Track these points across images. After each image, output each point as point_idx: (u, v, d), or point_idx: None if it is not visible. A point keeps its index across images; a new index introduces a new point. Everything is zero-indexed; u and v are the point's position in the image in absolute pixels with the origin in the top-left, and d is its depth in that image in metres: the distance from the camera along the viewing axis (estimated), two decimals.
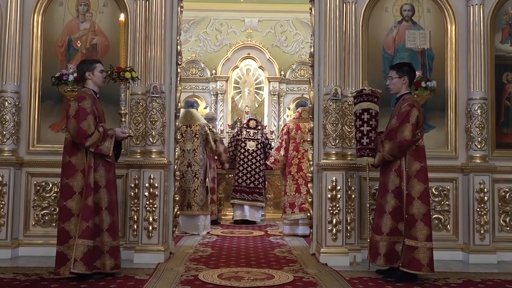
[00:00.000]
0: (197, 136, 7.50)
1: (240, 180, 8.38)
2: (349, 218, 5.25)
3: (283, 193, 7.54)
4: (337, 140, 5.28)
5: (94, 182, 4.43)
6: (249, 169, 8.40)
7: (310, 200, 5.69)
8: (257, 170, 8.39)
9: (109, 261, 4.46)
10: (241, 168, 8.42)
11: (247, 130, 8.60)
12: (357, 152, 4.86)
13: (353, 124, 5.11)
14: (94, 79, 4.62)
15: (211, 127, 7.78)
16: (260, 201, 8.37)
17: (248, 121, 8.83)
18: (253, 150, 8.45)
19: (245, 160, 8.42)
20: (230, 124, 12.33)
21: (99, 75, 4.63)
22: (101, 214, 4.47)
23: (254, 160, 8.41)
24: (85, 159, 4.43)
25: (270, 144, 8.70)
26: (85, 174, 4.41)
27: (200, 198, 7.40)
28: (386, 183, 4.62)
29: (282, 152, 7.47)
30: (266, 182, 8.97)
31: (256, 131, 8.59)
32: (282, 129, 7.71)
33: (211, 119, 8.78)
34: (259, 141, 8.51)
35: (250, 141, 8.48)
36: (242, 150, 8.46)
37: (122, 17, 4.86)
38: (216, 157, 8.19)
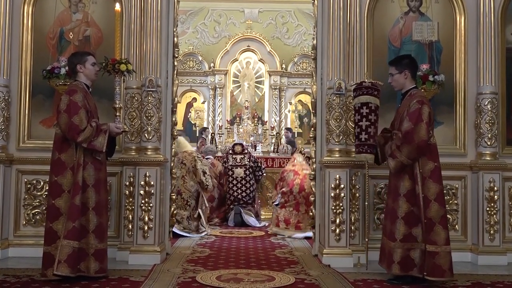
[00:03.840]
0: (184, 162, 7.22)
1: (231, 205, 8.27)
2: (353, 217, 5.13)
3: (280, 204, 7.42)
4: (341, 137, 5.15)
5: (82, 181, 4.29)
6: (239, 197, 8.29)
7: (312, 199, 5.58)
8: (248, 197, 8.27)
9: (93, 264, 4.33)
10: (232, 198, 8.31)
11: (233, 156, 8.52)
12: (355, 148, 4.75)
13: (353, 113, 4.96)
14: (85, 72, 4.48)
15: (199, 155, 7.63)
16: (252, 213, 8.20)
17: (233, 146, 8.77)
18: (241, 177, 8.36)
19: (234, 188, 8.33)
20: (229, 120, 12.19)
21: (91, 68, 4.49)
22: (87, 215, 4.33)
23: (244, 188, 8.31)
24: (75, 156, 4.30)
25: (260, 167, 8.61)
26: (74, 171, 4.28)
27: (192, 224, 7.08)
28: (398, 187, 4.40)
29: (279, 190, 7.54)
30: (265, 181, 8.90)
31: (242, 156, 8.50)
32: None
33: (211, 151, 8.95)
34: (247, 166, 8.41)
35: (237, 168, 8.40)
36: (231, 179, 8.38)
37: (117, 6, 4.72)
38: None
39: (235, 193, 8.29)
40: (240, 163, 8.43)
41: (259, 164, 8.64)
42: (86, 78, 4.48)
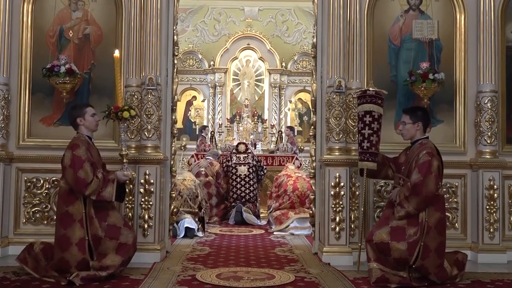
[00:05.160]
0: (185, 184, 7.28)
1: (236, 201, 8.31)
2: (353, 216, 5.13)
3: (275, 208, 7.52)
4: (341, 135, 5.14)
5: (109, 229, 4.34)
6: (243, 194, 8.30)
7: (312, 197, 5.55)
8: (251, 194, 8.32)
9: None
10: (235, 196, 8.34)
11: (237, 155, 8.59)
12: (358, 155, 4.78)
13: (355, 122, 5.01)
14: (86, 124, 4.49)
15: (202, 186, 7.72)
16: (251, 210, 8.25)
17: (237, 145, 8.87)
18: (245, 175, 8.40)
19: (238, 186, 8.35)
20: (228, 118, 12.17)
21: (91, 120, 4.50)
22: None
23: (247, 185, 8.34)
24: (83, 209, 4.31)
25: (262, 166, 8.70)
26: (82, 224, 4.28)
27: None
28: (389, 217, 4.39)
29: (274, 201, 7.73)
30: (266, 179, 8.97)
31: (246, 155, 8.58)
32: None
33: (214, 155, 9.00)
34: (251, 164, 8.47)
35: (241, 166, 8.46)
36: (234, 177, 8.41)
37: (116, 53, 4.68)
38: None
39: (238, 191, 8.31)
40: (243, 162, 8.48)
41: (261, 164, 8.70)
42: (87, 130, 4.50)
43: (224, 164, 8.61)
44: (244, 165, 8.42)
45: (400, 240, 4.24)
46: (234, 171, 8.42)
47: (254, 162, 8.51)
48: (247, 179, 8.35)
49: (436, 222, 4.31)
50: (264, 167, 8.78)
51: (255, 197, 8.36)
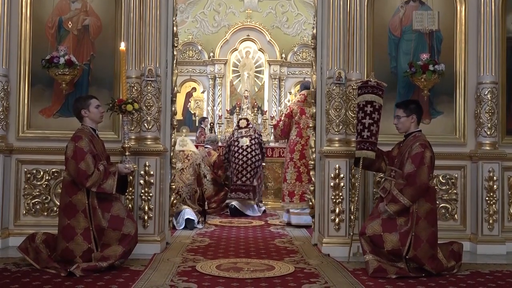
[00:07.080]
0: (188, 158, 7.27)
1: (235, 179, 8.21)
2: (352, 207, 5.11)
3: (283, 180, 7.27)
4: (341, 126, 5.13)
5: (113, 219, 4.36)
6: (244, 165, 8.16)
7: (312, 188, 5.57)
8: (253, 166, 8.18)
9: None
10: (236, 166, 8.21)
11: (239, 130, 8.53)
12: (356, 144, 4.78)
13: (355, 114, 4.98)
14: (90, 116, 4.51)
15: (203, 160, 7.61)
16: (252, 199, 8.17)
17: (238, 121, 8.80)
18: (247, 145, 8.27)
19: (240, 157, 8.20)
20: (228, 109, 12.17)
21: (95, 111, 4.51)
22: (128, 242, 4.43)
23: (249, 156, 8.18)
24: (85, 199, 4.33)
25: (263, 142, 8.62)
26: (86, 214, 4.31)
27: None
28: (381, 210, 4.44)
29: (278, 132, 7.38)
30: (266, 171, 8.87)
31: (247, 129, 8.49)
32: (286, 111, 7.46)
33: (213, 141, 8.89)
34: (253, 136, 8.37)
35: (243, 137, 8.37)
36: (236, 149, 8.29)
37: (122, 46, 4.67)
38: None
39: (240, 162, 8.11)
40: (245, 134, 8.37)
41: (262, 139, 8.63)
42: (91, 121, 4.52)
43: (227, 143, 8.52)
44: (246, 137, 8.31)
45: (392, 231, 4.31)
46: (236, 143, 8.29)
47: (257, 135, 8.40)
48: (249, 149, 8.18)
49: (426, 212, 4.35)
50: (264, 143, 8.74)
51: (256, 173, 8.16)
